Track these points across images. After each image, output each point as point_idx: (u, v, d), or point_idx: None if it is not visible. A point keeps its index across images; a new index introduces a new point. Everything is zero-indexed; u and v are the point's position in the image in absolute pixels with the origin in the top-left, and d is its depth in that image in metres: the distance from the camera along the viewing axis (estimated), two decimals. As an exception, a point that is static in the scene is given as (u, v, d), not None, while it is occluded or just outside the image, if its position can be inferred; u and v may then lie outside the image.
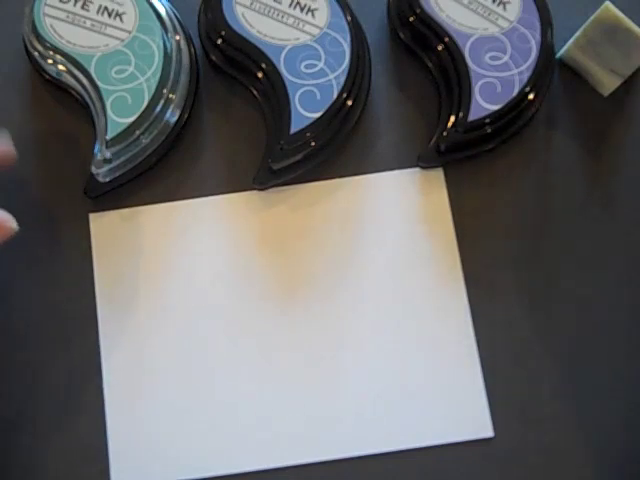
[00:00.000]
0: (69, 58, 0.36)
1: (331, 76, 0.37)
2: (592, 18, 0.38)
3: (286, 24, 0.38)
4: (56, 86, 0.39)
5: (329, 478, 0.35)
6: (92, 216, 0.38)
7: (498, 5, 0.38)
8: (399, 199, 0.39)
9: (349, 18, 0.38)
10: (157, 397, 0.36)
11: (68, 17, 0.37)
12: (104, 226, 0.38)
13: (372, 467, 0.36)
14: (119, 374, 0.36)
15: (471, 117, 0.37)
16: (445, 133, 0.37)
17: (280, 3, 0.38)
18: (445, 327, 0.37)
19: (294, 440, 0.36)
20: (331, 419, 0.36)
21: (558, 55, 0.41)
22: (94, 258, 0.38)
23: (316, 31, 0.38)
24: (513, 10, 0.38)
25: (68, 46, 0.36)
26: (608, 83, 0.39)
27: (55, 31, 0.36)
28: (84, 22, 0.37)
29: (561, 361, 0.36)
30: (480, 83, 0.37)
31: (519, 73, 0.37)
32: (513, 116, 0.38)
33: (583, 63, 0.40)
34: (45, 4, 0.37)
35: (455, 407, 0.36)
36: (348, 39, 0.38)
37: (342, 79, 0.37)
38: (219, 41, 0.38)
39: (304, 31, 0.38)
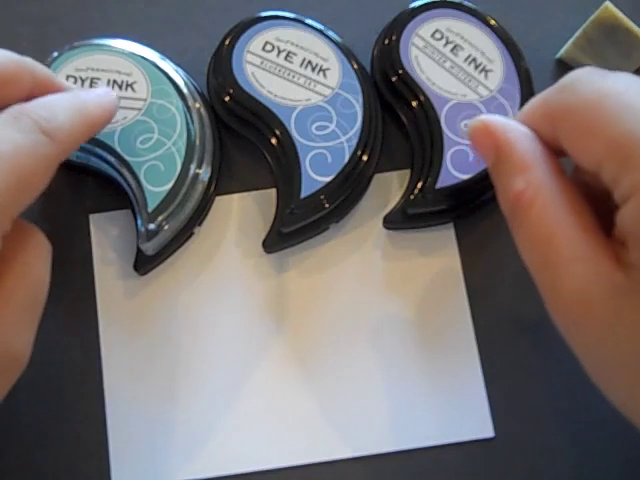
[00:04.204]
0: (92, 140, 0.35)
1: (343, 138, 0.37)
2: (592, 18, 0.39)
3: (297, 84, 0.37)
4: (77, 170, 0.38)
5: (329, 478, 0.36)
6: (92, 217, 0.39)
7: (480, 72, 0.37)
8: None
9: (361, 79, 0.37)
10: (158, 397, 0.37)
11: None
12: (104, 227, 0.38)
13: (372, 467, 0.37)
14: (120, 373, 0.37)
15: (439, 184, 0.36)
16: (412, 197, 0.37)
17: (291, 62, 0.37)
18: (446, 327, 0.38)
19: (295, 441, 0.37)
20: (331, 419, 0.37)
21: (558, 55, 0.41)
22: (94, 259, 0.38)
23: (328, 91, 0.37)
24: (495, 79, 0.37)
25: None
26: (608, 83, 0.40)
27: None
28: None
29: (561, 361, 0.37)
30: (452, 150, 0.36)
31: None
32: (480, 188, 0.37)
33: (583, 63, 0.40)
34: None
35: (455, 407, 0.37)
36: (360, 100, 0.37)
37: (354, 142, 0.36)
38: (227, 99, 0.37)
39: (315, 91, 0.37)
